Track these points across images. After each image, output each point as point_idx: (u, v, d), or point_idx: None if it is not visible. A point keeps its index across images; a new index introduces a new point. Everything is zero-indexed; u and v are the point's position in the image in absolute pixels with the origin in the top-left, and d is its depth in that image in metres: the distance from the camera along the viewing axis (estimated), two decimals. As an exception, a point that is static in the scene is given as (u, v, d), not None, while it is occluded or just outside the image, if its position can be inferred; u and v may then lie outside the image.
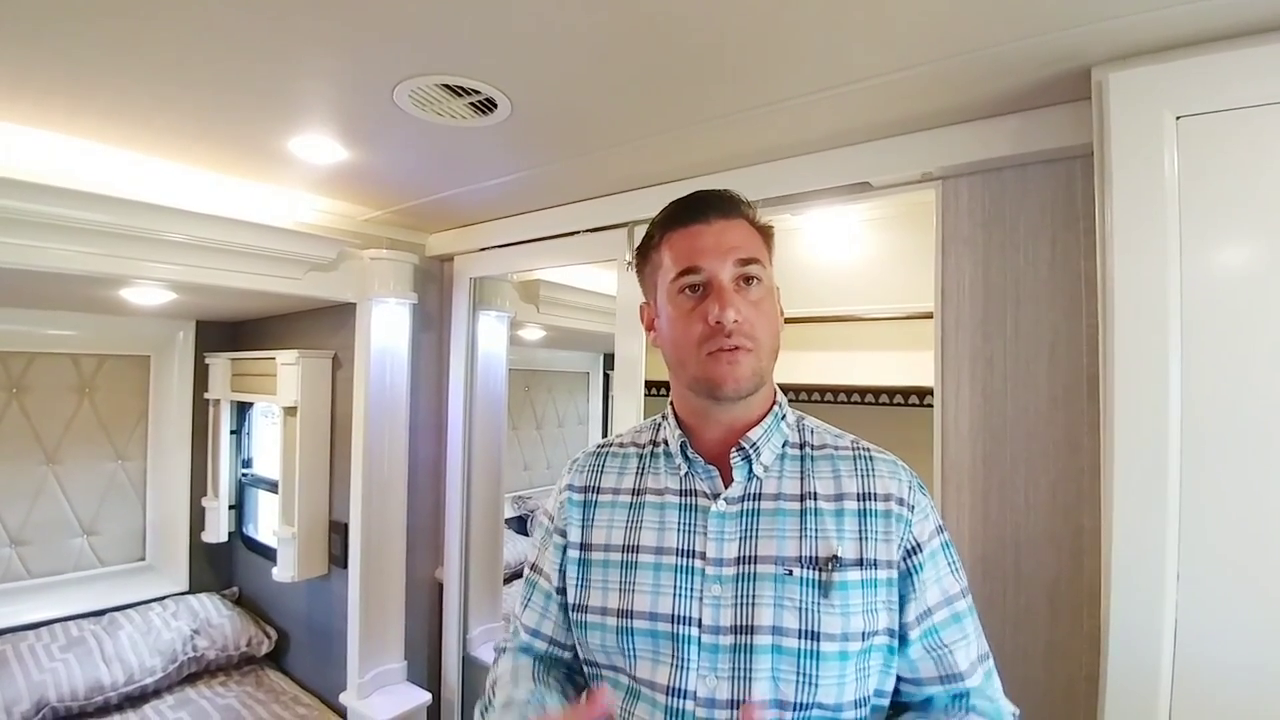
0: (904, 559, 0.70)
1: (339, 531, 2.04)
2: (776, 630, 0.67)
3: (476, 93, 1.13)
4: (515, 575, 3.02)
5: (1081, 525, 1.08)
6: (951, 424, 1.21)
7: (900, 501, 0.71)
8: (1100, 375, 0.95)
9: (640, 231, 1.63)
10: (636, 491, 0.78)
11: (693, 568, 0.71)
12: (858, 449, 0.76)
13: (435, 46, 0.99)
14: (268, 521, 2.44)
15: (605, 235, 1.73)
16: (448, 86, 1.11)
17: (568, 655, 0.83)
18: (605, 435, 4.16)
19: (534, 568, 0.85)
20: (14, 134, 1.33)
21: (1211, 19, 0.83)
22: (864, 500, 0.71)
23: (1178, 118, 0.85)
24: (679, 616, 0.69)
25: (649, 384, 1.71)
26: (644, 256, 0.80)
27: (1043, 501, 1.12)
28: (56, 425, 2.20)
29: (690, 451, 0.75)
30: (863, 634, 0.67)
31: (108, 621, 2.12)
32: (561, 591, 0.80)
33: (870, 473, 0.73)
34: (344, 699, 1.95)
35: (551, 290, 2.44)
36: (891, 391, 1.78)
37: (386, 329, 1.98)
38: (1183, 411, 0.85)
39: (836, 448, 0.76)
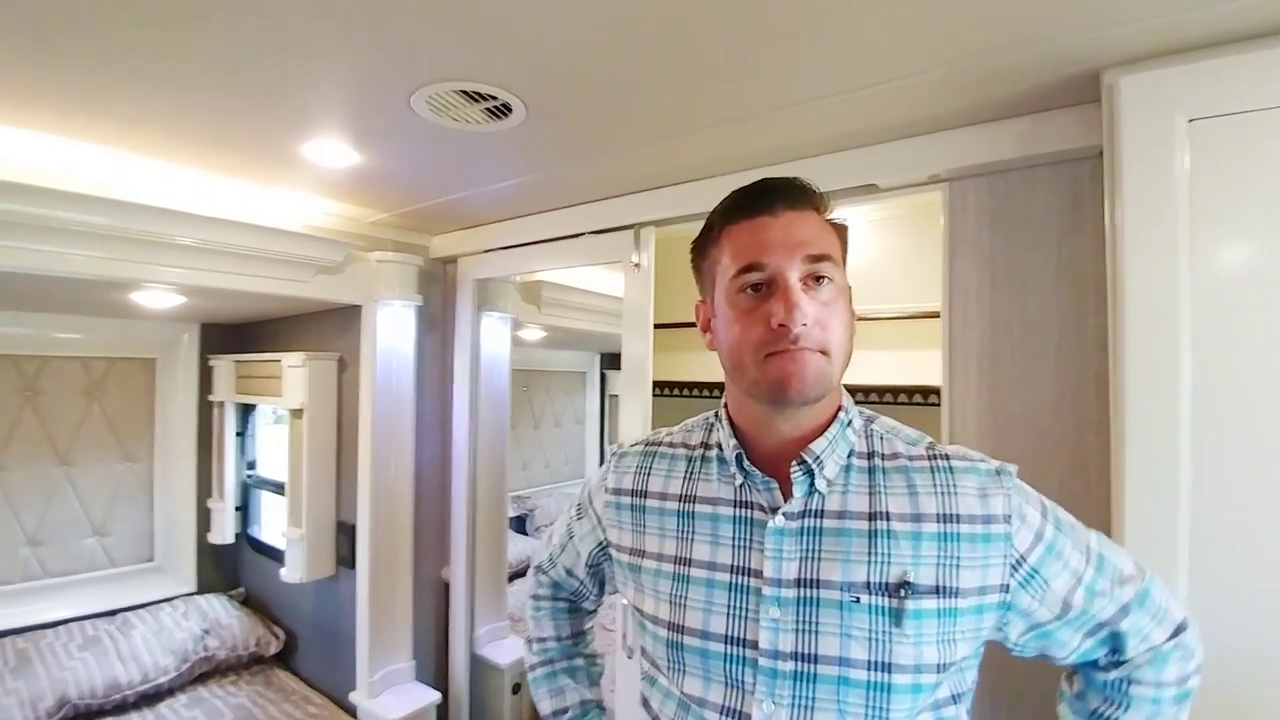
0: (1012, 575, 0.63)
1: (346, 532, 2.03)
2: (843, 661, 0.61)
3: (493, 98, 1.12)
4: (519, 574, 3.02)
5: (1088, 522, 1.08)
6: (959, 423, 1.21)
7: (991, 519, 0.63)
8: (1110, 375, 0.95)
9: (647, 234, 1.65)
10: (685, 498, 0.72)
11: (748, 586, 0.65)
12: (935, 457, 0.67)
13: (454, 54, 0.99)
14: (273, 523, 2.42)
15: (611, 237, 1.72)
16: (465, 93, 1.10)
17: (580, 587, 0.91)
18: (604, 435, 4.15)
19: (571, 535, 0.89)
20: (32, 140, 1.31)
21: (1222, 22, 0.83)
22: (946, 523, 0.63)
23: (1190, 120, 0.85)
24: (733, 637, 0.65)
25: (657, 384, 1.70)
26: (701, 251, 0.72)
27: (1051, 498, 1.12)
28: (68, 427, 2.18)
29: (747, 463, 0.68)
30: (938, 666, 0.61)
31: (121, 621, 2.12)
32: (589, 567, 0.87)
33: (952, 488, 0.64)
34: (354, 698, 1.94)
35: (554, 291, 2.43)
36: (898, 390, 1.78)
37: (392, 331, 1.96)
38: (1193, 410, 0.85)
39: (911, 457, 0.66)
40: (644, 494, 0.75)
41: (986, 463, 0.66)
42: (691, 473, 0.73)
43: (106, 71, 1.05)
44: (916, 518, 0.63)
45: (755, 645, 0.63)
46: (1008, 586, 0.62)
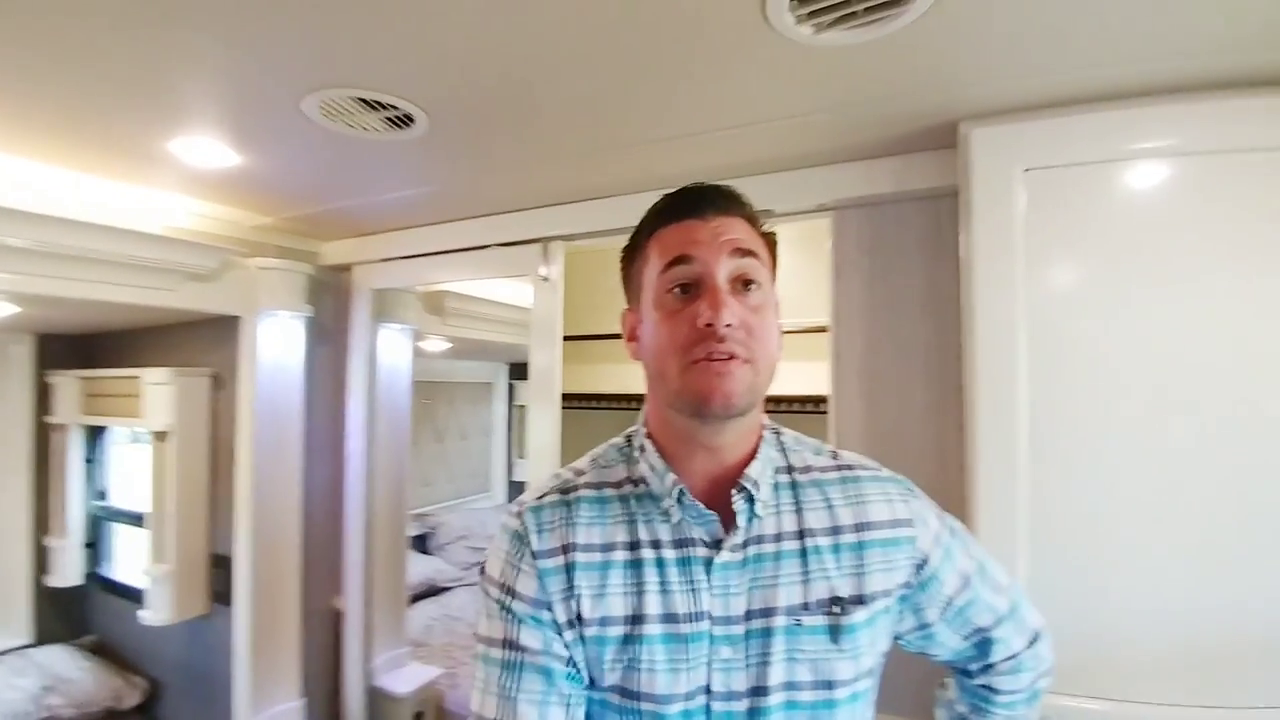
0: (914, 574, 0.66)
1: (222, 565, 1.90)
2: (790, 686, 0.61)
3: (394, 108, 1.13)
4: (419, 596, 2.94)
5: (950, 510, 1.26)
6: (845, 429, 1.36)
7: (898, 524, 0.66)
8: (964, 386, 1.12)
9: (555, 248, 1.69)
10: (631, 545, 0.64)
11: (700, 633, 0.61)
12: (841, 467, 0.69)
13: (350, 59, 0.98)
14: (131, 559, 2.21)
15: (519, 250, 1.75)
16: (364, 100, 1.10)
17: None
18: (510, 446, 4.09)
19: (510, 644, 0.63)
20: None
21: (1057, 88, 1.02)
22: (860, 531, 0.65)
23: (1026, 170, 1.04)
24: (690, 692, 0.60)
25: (566, 396, 1.75)
26: (629, 257, 0.70)
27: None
28: None
29: (688, 498, 0.63)
30: (871, 670, 0.64)
31: (-74, 689, 1.84)
32: (572, 663, 0.63)
33: (860, 498, 0.66)
34: (231, 748, 1.82)
35: (458, 301, 2.41)
36: (794, 400, 1.95)
37: (276, 344, 1.87)
38: (1030, 415, 1.04)
39: (822, 469, 0.68)
40: (575, 549, 0.64)
41: (882, 470, 0.70)
42: (630, 515, 0.66)
43: None
44: (835, 530, 0.64)
45: (708, 690, 0.60)
46: (909, 584, 0.66)
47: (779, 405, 1.97)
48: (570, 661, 0.63)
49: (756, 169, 1.42)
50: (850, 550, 0.64)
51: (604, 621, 0.62)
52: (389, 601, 2.20)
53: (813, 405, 1.93)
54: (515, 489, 4.11)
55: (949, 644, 0.71)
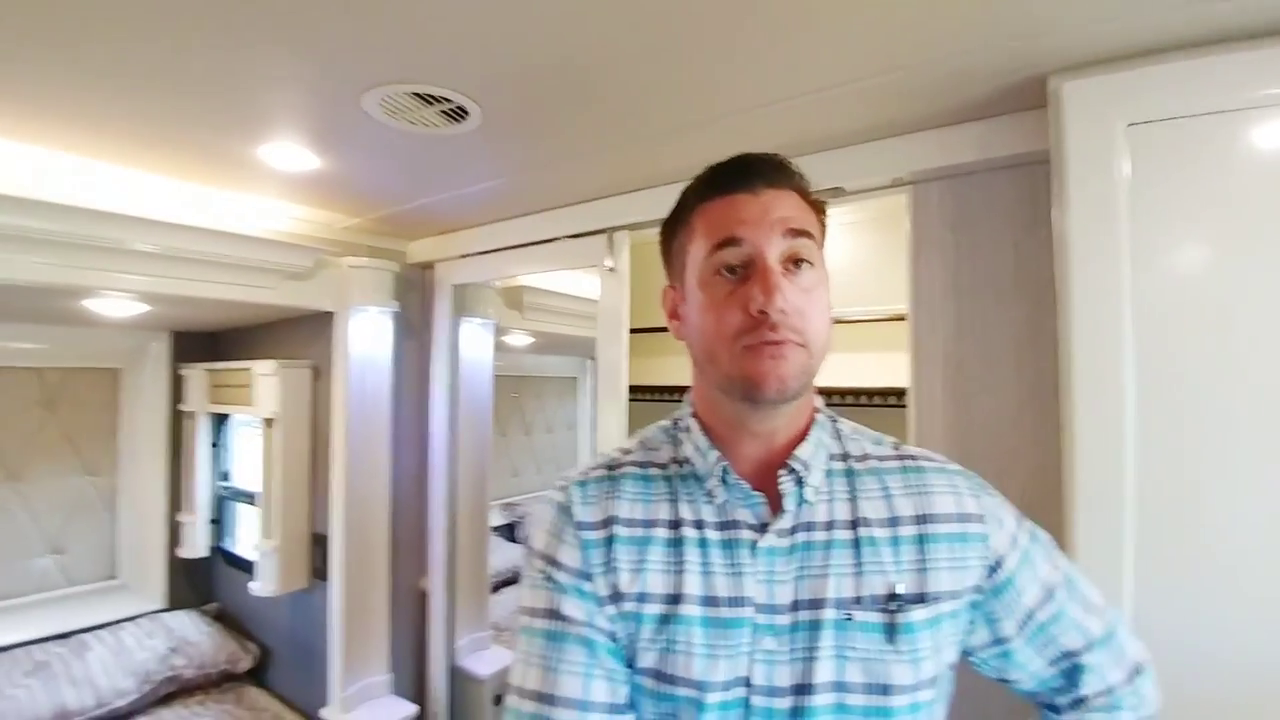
0: (987, 577, 0.62)
1: (320, 544, 2.06)
2: (839, 687, 0.57)
3: (447, 101, 1.16)
4: (506, 583, 3.06)
5: (1047, 525, 1.13)
6: (926, 426, 1.26)
7: (967, 518, 0.62)
8: (1060, 378, 1.00)
9: (620, 238, 1.69)
10: (673, 524, 0.63)
11: (742, 620, 0.59)
12: (904, 458, 0.65)
13: (404, 55, 1.02)
14: (248, 535, 2.45)
15: (585, 241, 1.77)
16: (418, 95, 1.15)
17: None
18: (596, 441, 4.19)
19: (553, 614, 0.61)
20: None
21: (1160, 31, 0.88)
22: (922, 524, 0.61)
23: (1129, 125, 0.91)
24: (729, 681, 0.58)
25: (635, 388, 1.75)
26: (670, 231, 0.68)
27: (1014, 501, 1.17)
28: (18, 441, 2.19)
29: (732, 477, 0.62)
30: (932, 679, 0.59)
31: (76, 644, 2.09)
32: (614, 638, 0.61)
33: (923, 488, 0.63)
34: (326, 714, 1.97)
35: (535, 296, 2.47)
36: (869, 393, 1.83)
37: (367, 338, 2.00)
38: (1138, 408, 0.90)
39: (881, 458, 0.65)
40: (618, 523, 0.63)
41: (950, 464, 0.66)
42: (673, 494, 0.65)
43: (50, 70, 1.07)
44: (893, 521, 0.61)
45: (749, 683, 0.57)
46: (981, 588, 0.61)
47: (855, 399, 1.87)
48: (613, 636, 0.61)
49: (825, 144, 1.34)
50: (911, 544, 0.60)
51: (642, 598, 0.61)
52: (472, 586, 2.30)
53: (895, 399, 1.81)
54: (599, 483, 4.17)
55: (1031, 667, 0.64)
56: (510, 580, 3.14)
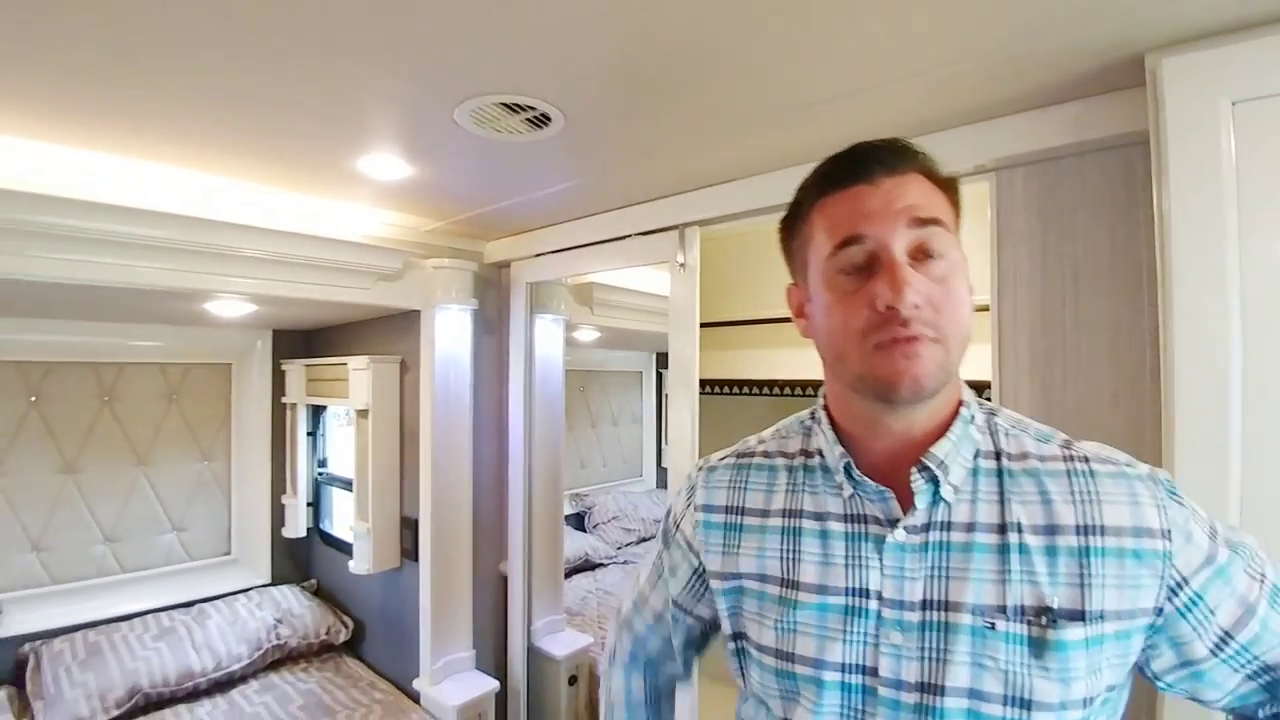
0: (1169, 599, 0.56)
1: (410, 527, 2.20)
2: (974, 694, 0.55)
3: (532, 109, 1.23)
4: (576, 570, 3.17)
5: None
6: None
7: (1144, 533, 0.56)
8: (1160, 365, 0.96)
9: (691, 234, 1.72)
10: (789, 514, 0.66)
11: (866, 609, 0.59)
12: (1072, 458, 0.60)
13: (493, 68, 1.09)
14: (342, 517, 2.64)
15: (657, 238, 1.81)
16: (505, 105, 1.22)
17: (668, 644, 0.84)
18: (660, 434, 4.27)
19: (660, 556, 0.82)
20: (104, 161, 1.49)
21: (1267, 2, 0.84)
22: (1087, 535, 0.56)
23: (1234, 103, 0.87)
24: (850, 665, 0.59)
25: (706, 382, 1.78)
26: (790, 229, 0.67)
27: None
28: (146, 429, 2.44)
29: (856, 472, 0.62)
30: (1084, 700, 0.54)
31: (196, 612, 2.33)
32: (679, 606, 0.80)
33: (1093, 496, 0.57)
34: (417, 685, 2.11)
35: (605, 292, 2.54)
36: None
37: (449, 334, 2.12)
38: (1244, 399, 0.87)
39: (1043, 458, 0.60)
40: (740, 511, 0.70)
41: (1135, 466, 0.59)
42: (794, 485, 0.67)
43: (179, 96, 1.19)
44: (1051, 530, 0.56)
45: (875, 673, 0.58)
46: (1161, 610, 0.56)
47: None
48: (693, 594, 0.78)
49: (901, 132, 1.30)
50: (1070, 555, 0.55)
51: (762, 579, 0.66)
52: (547, 571, 2.39)
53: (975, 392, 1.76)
54: (664, 475, 4.24)
55: (1227, 685, 0.59)
56: (580, 568, 3.24)
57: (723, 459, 0.76)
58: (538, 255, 2.18)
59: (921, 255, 0.57)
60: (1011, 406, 1.23)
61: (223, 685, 2.19)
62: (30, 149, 1.41)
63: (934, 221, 0.57)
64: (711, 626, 0.82)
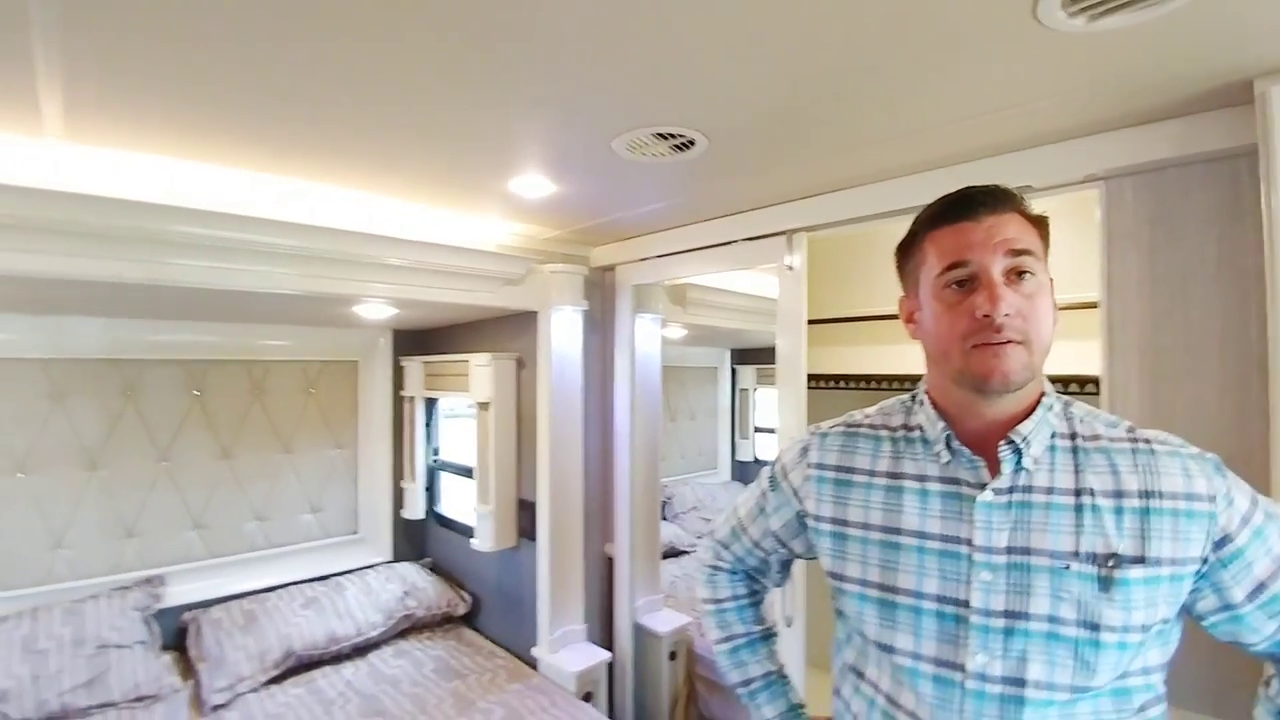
0: (1213, 550, 0.70)
1: (526, 509, 2.44)
2: (1053, 619, 0.70)
3: (681, 135, 1.41)
4: (664, 555, 3.37)
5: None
6: (1120, 412, 1.35)
7: (1194, 497, 0.70)
8: (1269, 367, 1.08)
9: (799, 238, 1.89)
10: (893, 475, 0.82)
11: (959, 553, 0.75)
12: (1136, 440, 0.75)
13: (654, 103, 1.26)
14: (454, 501, 2.92)
15: (764, 243, 1.98)
16: (658, 134, 1.41)
17: (763, 563, 1.03)
18: (734, 428, 4.44)
19: (763, 495, 0.99)
20: (278, 184, 1.73)
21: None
22: (1147, 498, 0.71)
23: (1342, 126, 0.99)
24: (946, 597, 0.75)
25: (811, 377, 1.94)
26: (905, 252, 0.84)
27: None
28: (289, 420, 2.77)
29: (956, 443, 0.77)
30: (1142, 626, 0.69)
31: (334, 585, 2.63)
32: (776, 537, 0.98)
33: (1153, 468, 0.72)
34: (535, 652, 2.35)
35: (698, 292, 2.73)
36: (1054, 380, 1.91)
37: (563, 333, 2.35)
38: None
39: (1112, 439, 0.75)
40: (849, 470, 0.87)
41: (1187, 447, 0.74)
42: (897, 452, 0.83)
43: (360, 127, 1.37)
44: (1118, 494, 0.71)
45: (967, 604, 0.73)
46: (1206, 559, 0.69)
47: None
48: (790, 530, 0.96)
49: (1013, 146, 1.46)
50: (1134, 514, 0.70)
51: (865, 527, 0.83)
52: (646, 554, 2.60)
53: (1077, 386, 1.87)
54: (739, 468, 4.40)
55: (1264, 631, 0.72)
56: (667, 554, 3.45)
57: (833, 427, 0.93)
58: (642, 259, 2.39)
59: (1014, 277, 0.72)
60: (1121, 401, 1.36)
61: (362, 650, 2.48)
62: (229, 176, 1.65)
63: (1025, 252, 0.72)
64: (799, 557, 1.03)
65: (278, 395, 2.74)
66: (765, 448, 4.37)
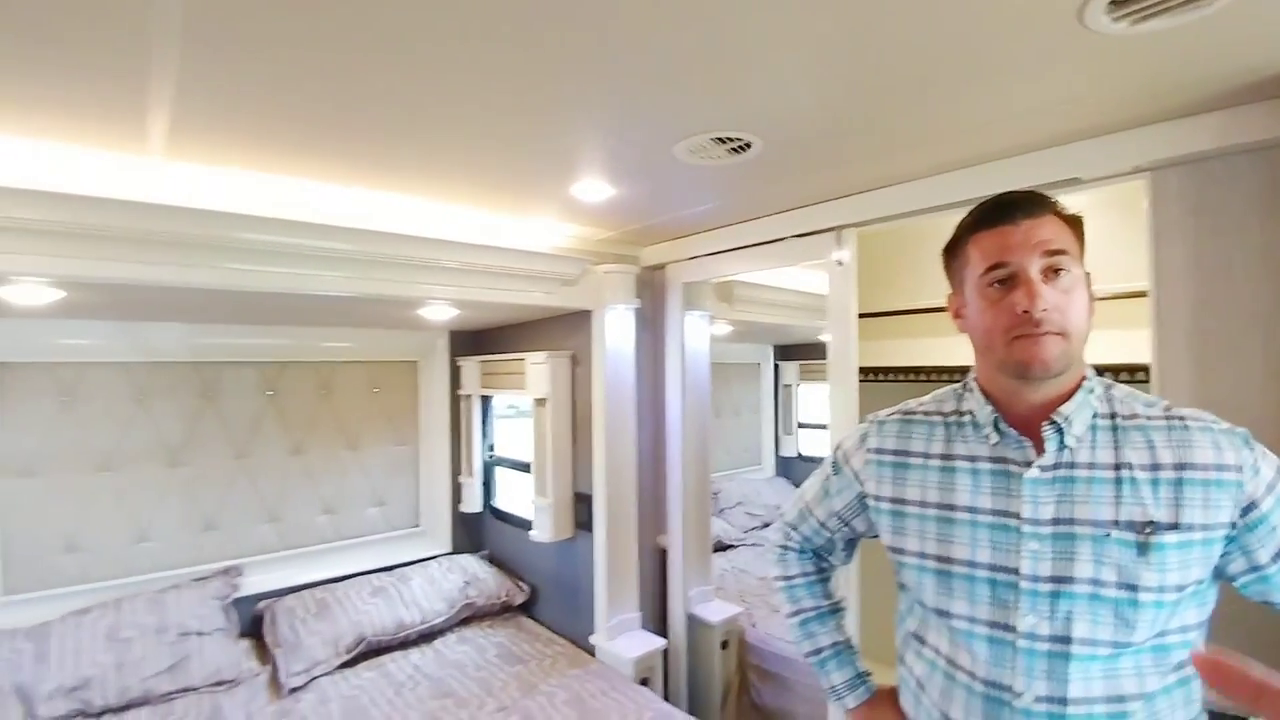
0: (1240, 516, 0.77)
1: (583, 501, 2.57)
2: (1095, 582, 0.78)
3: (738, 139, 1.52)
4: (716, 549, 3.47)
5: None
6: (1169, 398, 1.40)
7: (1224, 468, 0.77)
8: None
9: (848, 234, 1.98)
10: (946, 456, 0.92)
11: (1008, 526, 0.83)
12: (1171, 418, 0.82)
13: (715, 109, 1.36)
14: (511, 495, 3.07)
15: (813, 239, 2.07)
16: (717, 138, 1.51)
17: (830, 542, 1.14)
18: (778, 423, 4.52)
19: (826, 479, 1.10)
20: (353, 195, 1.88)
21: None
22: (1180, 470, 0.78)
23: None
24: (997, 566, 0.83)
25: (864, 369, 2.03)
26: (951, 254, 0.93)
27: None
28: (355, 418, 2.96)
29: (1003, 425, 0.86)
30: (1178, 586, 0.77)
31: (399, 575, 2.79)
32: (839, 517, 1.09)
33: (1187, 442, 0.79)
34: (594, 639, 2.47)
35: (744, 289, 2.83)
36: (1103, 370, 1.97)
37: (617, 331, 2.47)
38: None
39: (1149, 417, 0.83)
40: (906, 454, 0.96)
41: (1219, 424, 0.82)
42: (949, 436, 0.93)
43: (436, 139, 1.50)
44: (1155, 467, 0.79)
45: (1016, 571, 0.82)
46: (1234, 524, 0.77)
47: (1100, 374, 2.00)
48: (853, 510, 1.06)
49: (1061, 140, 1.53)
50: (1169, 485, 0.78)
51: (922, 504, 0.92)
52: (697, 545, 2.71)
53: (1128, 375, 1.93)
54: (783, 463, 4.48)
55: None
56: (716, 548, 3.55)
57: (890, 415, 1.03)
58: (692, 258, 2.50)
59: (1051, 274, 0.80)
60: (1171, 387, 1.43)
61: (427, 636, 2.64)
62: (308, 188, 1.81)
63: (1060, 251, 0.81)
64: (861, 536, 1.13)
65: (344, 394, 2.92)
66: (809, 443, 4.43)
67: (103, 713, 2.02)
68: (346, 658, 2.43)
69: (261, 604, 2.60)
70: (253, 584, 2.63)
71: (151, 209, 1.55)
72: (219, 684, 2.22)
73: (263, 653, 2.45)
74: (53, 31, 1.01)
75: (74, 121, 1.36)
